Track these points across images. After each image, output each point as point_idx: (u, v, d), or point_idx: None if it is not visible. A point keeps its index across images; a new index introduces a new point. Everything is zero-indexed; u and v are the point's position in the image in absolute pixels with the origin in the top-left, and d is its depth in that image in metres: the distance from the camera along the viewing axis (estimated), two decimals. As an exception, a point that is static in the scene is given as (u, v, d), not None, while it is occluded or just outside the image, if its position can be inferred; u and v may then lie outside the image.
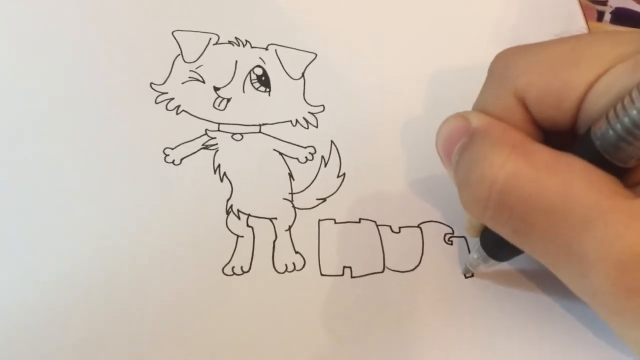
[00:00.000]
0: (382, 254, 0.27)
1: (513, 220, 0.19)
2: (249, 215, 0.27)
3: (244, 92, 0.31)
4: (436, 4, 0.34)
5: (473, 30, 0.34)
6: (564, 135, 0.21)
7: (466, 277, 0.27)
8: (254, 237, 0.27)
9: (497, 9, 0.34)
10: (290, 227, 0.27)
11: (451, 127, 0.22)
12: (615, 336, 0.20)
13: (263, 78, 0.31)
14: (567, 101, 0.20)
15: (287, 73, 0.31)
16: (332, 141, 0.30)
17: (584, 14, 0.34)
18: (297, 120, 0.30)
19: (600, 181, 0.18)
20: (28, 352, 0.24)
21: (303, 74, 0.31)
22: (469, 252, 0.27)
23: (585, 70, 0.19)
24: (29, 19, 0.31)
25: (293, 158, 0.29)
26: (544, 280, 0.27)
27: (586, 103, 0.20)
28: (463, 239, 0.28)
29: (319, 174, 0.29)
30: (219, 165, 0.28)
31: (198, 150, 0.29)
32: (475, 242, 0.26)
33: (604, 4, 0.36)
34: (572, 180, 0.18)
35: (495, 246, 0.24)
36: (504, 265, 0.27)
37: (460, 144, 0.21)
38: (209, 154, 0.29)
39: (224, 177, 0.28)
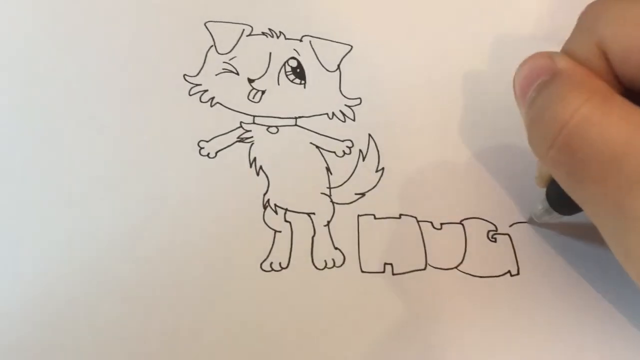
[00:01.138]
0: (423, 251, 0.26)
1: (572, 164, 0.19)
2: (286, 210, 0.27)
3: (278, 84, 0.30)
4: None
5: (512, 22, 0.33)
6: None
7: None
8: (292, 233, 0.26)
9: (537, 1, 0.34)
10: (329, 222, 0.27)
11: (535, 64, 0.21)
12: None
13: (298, 70, 0.30)
14: None
15: (322, 65, 0.31)
16: (369, 135, 0.29)
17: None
18: (333, 113, 0.29)
19: None
20: (56, 339, 0.23)
21: (339, 66, 0.31)
22: (514, 249, 0.27)
23: None
24: (63, 14, 0.31)
25: (330, 152, 0.28)
26: (589, 281, 0.26)
27: None
28: (506, 236, 0.27)
29: (357, 168, 0.28)
30: (254, 159, 0.28)
31: (233, 143, 0.28)
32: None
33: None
34: (637, 132, 0.18)
35: (559, 198, 0.24)
36: (546, 262, 0.26)
37: (540, 81, 0.21)
38: (244, 147, 0.28)
39: (260, 170, 0.27)
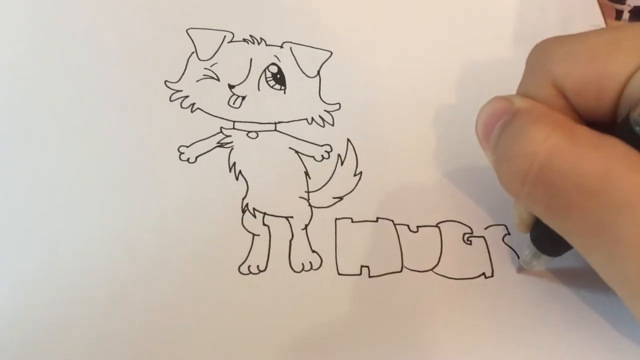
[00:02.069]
0: (400, 254, 0.27)
1: (549, 197, 0.19)
2: (264, 213, 0.27)
3: (259, 90, 0.30)
4: (454, 1, 0.34)
5: (491, 28, 0.33)
6: (604, 127, 0.21)
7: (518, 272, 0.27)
8: (270, 236, 0.27)
9: (515, 7, 0.34)
10: (306, 225, 0.27)
11: (493, 108, 0.22)
12: None
13: (278, 76, 0.31)
14: (607, 91, 0.20)
15: (302, 71, 0.31)
16: (348, 139, 0.29)
17: (603, 13, 0.34)
18: (312, 119, 0.30)
19: None
20: (46, 351, 0.24)
21: (319, 72, 0.31)
22: (488, 250, 0.27)
23: (625, 61, 0.19)
24: (46, 17, 0.31)
25: (309, 156, 0.29)
26: (563, 282, 0.26)
27: (626, 94, 0.19)
28: (482, 238, 0.27)
29: (335, 172, 0.28)
30: (234, 164, 0.28)
31: (213, 149, 0.28)
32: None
33: (623, 2, 0.36)
34: (612, 160, 0.18)
35: (546, 239, 0.23)
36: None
37: (502, 122, 0.21)
38: (224, 152, 0.28)
39: (240, 175, 0.28)
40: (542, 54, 0.22)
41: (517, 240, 0.27)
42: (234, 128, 0.29)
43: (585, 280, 0.26)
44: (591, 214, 0.18)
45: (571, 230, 0.19)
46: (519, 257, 0.27)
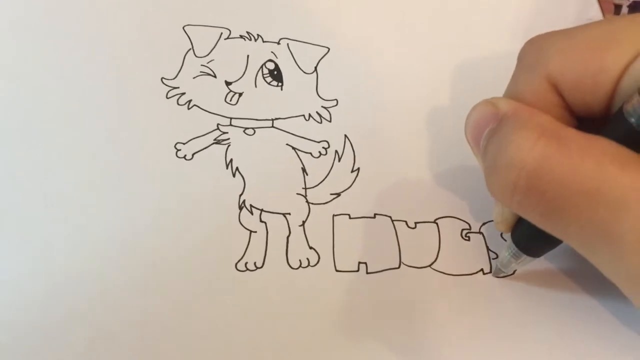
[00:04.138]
0: (397, 250, 0.27)
1: (543, 204, 0.19)
2: (262, 210, 0.27)
3: (256, 86, 0.30)
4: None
5: (488, 22, 0.33)
6: (598, 122, 0.21)
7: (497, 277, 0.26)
8: (267, 233, 0.26)
9: (513, 5, 0.34)
10: (304, 222, 0.27)
11: (480, 114, 0.21)
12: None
13: (275, 72, 0.31)
14: (602, 84, 0.19)
15: (299, 67, 0.31)
16: (345, 135, 0.29)
17: (601, 7, 0.34)
18: (310, 115, 0.30)
19: (633, 162, 0.18)
20: (42, 349, 0.24)
21: (316, 68, 0.31)
22: (487, 246, 0.27)
23: (620, 52, 0.19)
24: (42, 16, 0.31)
25: (306, 153, 0.29)
26: (560, 279, 0.26)
27: (621, 86, 0.19)
28: (480, 234, 0.27)
29: (332, 168, 0.28)
30: (231, 160, 0.28)
31: (210, 145, 0.28)
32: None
33: (621, -3, 0.35)
34: (605, 162, 0.17)
35: (529, 239, 0.23)
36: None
37: (488, 129, 0.21)
38: (221, 148, 0.28)
39: (236, 172, 0.28)
40: (535, 50, 0.22)
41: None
42: (230, 125, 0.29)
43: (583, 274, 0.26)
44: (589, 217, 0.18)
45: (571, 233, 0.19)
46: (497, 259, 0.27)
